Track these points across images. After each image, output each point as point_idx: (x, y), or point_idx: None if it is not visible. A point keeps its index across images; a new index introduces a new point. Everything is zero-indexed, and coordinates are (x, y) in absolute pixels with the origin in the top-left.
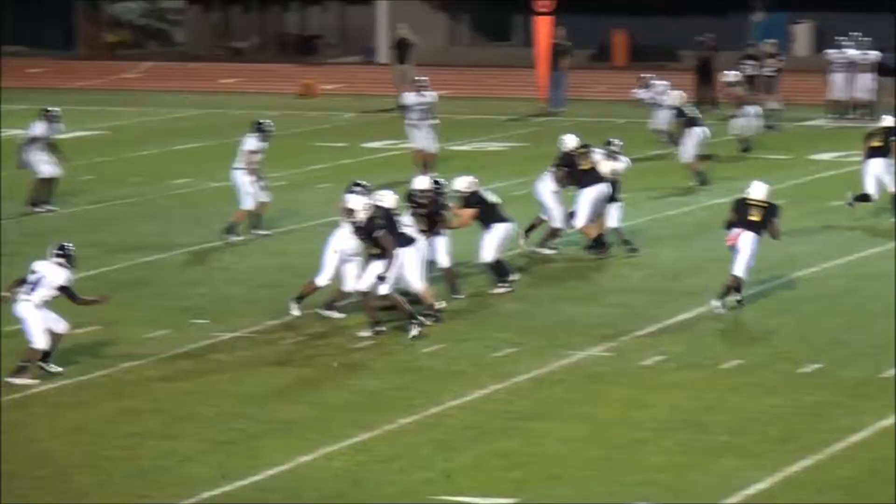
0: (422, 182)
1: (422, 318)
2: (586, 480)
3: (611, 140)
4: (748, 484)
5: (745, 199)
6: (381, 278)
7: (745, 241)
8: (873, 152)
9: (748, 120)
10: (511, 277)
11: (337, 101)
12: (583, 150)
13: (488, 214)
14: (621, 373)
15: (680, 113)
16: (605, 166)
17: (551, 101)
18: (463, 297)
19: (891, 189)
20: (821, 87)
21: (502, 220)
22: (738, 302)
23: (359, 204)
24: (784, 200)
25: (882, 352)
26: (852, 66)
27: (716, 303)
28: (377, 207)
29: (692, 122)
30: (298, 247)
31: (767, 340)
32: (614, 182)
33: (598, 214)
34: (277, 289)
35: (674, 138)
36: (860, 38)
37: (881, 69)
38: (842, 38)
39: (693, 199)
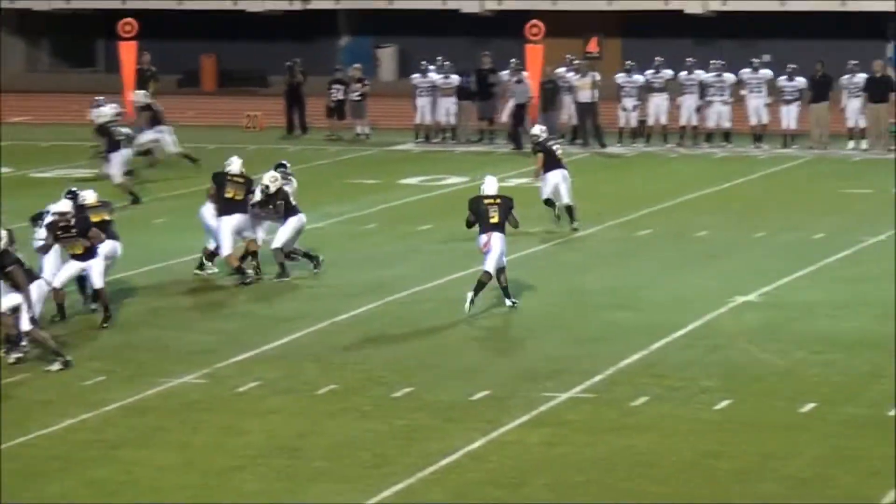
0: (63, 205)
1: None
2: None
3: (283, 162)
4: None
5: (481, 196)
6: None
7: (496, 241)
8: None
9: (159, 137)
10: None
11: None
12: (238, 178)
13: None
14: (216, 400)
15: (104, 131)
16: (272, 184)
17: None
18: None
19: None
20: (408, 111)
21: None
22: (514, 304)
23: None
24: (373, 225)
25: (470, 375)
26: (435, 91)
27: (470, 294)
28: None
29: (117, 145)
30: None
31: (362, 365)
32: (287, 204)
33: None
34: None
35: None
36: (442, 63)
37: (461, 93)
38: (425, 62)
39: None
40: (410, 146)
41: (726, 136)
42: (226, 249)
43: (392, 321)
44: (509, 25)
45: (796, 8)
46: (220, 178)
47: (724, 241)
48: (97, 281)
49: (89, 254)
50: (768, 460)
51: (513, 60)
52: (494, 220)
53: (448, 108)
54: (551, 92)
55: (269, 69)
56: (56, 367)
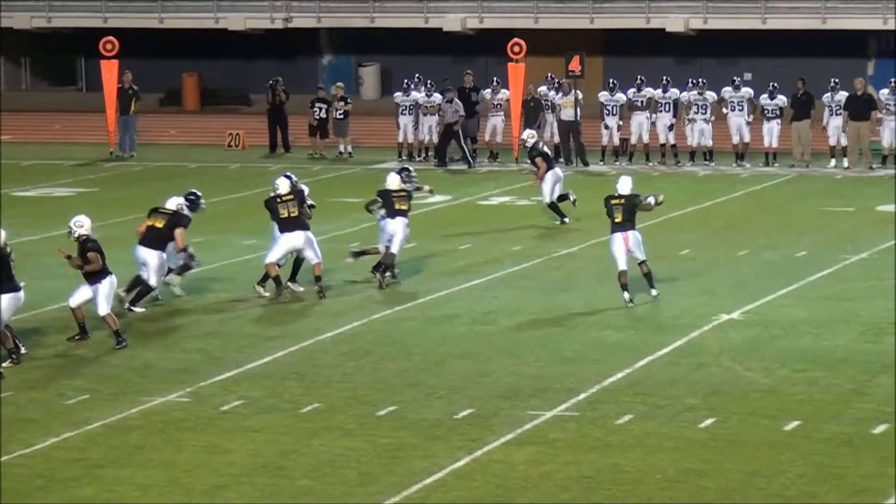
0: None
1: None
2: None
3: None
4: None
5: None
6: None
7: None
8: None
9: None
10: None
11: None
12: (288, 196)
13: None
14: (199, 418)
15: None
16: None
17: (121, 146)
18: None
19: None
20: (390, 129)
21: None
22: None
23: None
24: (357, 243)
25: (454, 393)
26: (418, 109)
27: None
28: None
29: None
30: None
31: (346, 383)
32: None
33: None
34: None
35: None
36: (423, 81)
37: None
38: (408, 80)
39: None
40: (393, 164)
41: (708, 154)
42: (272, 256)
43: (376, 339)
44: (491, 44)
45: (777, 26)
46: (272, 204)
47: (706, 259)
48: (101, 307)
49: (96, 277)
50: (753, 478)
51: (494, 78)
52: (618, 219)
53: (430, 126)
54: (533, 110)
55: (252, 88)
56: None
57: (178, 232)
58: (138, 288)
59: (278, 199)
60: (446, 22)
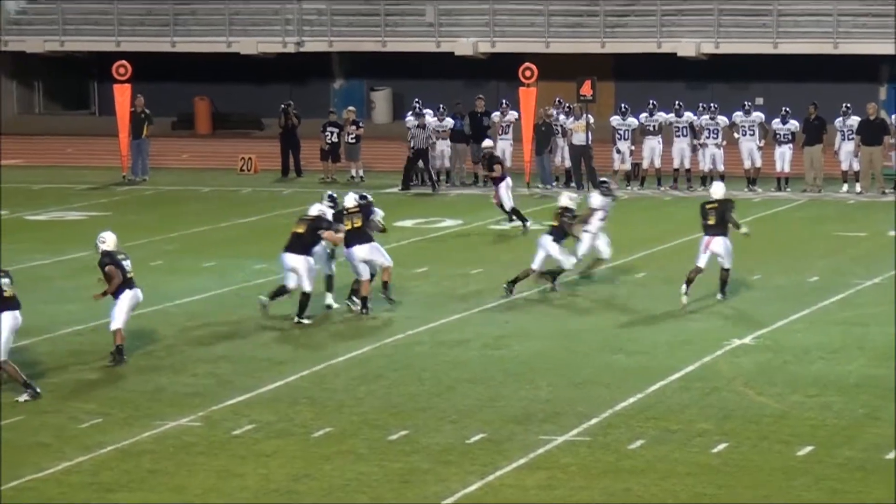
0: None
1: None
2: None
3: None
4: None
5: (705, 202)
6: None
7: (715, 244)
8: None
9: None
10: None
11: None
12: (354, 209)
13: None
14: (211, 443)
15: None
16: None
17: (133, 170)
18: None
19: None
20: (402, 153)
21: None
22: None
23: None
24: None
25: (466, 418)
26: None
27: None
28: None
29: None
30: None
31: (357, 408)
32: None
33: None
34: None
35: None
36: (440, 107)
37: (455, 135)
38: (417, 104)
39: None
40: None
41: (720, 179)
42: (362, 275)
43: (387, 364)
44: (503, 68)
45: (789, 51)
46: (339, 217)
47: (718, 284)
48: (115, 320)
49: (119, 290)
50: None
51: (503, 101)
52: (711, 222)
53: (442, 150)
54: (545, 134)
55: (264, 112)
56: (24, 398)
57: (327, 233)
58: (282, 295)
59: (344, 212)
60: (458, 46)
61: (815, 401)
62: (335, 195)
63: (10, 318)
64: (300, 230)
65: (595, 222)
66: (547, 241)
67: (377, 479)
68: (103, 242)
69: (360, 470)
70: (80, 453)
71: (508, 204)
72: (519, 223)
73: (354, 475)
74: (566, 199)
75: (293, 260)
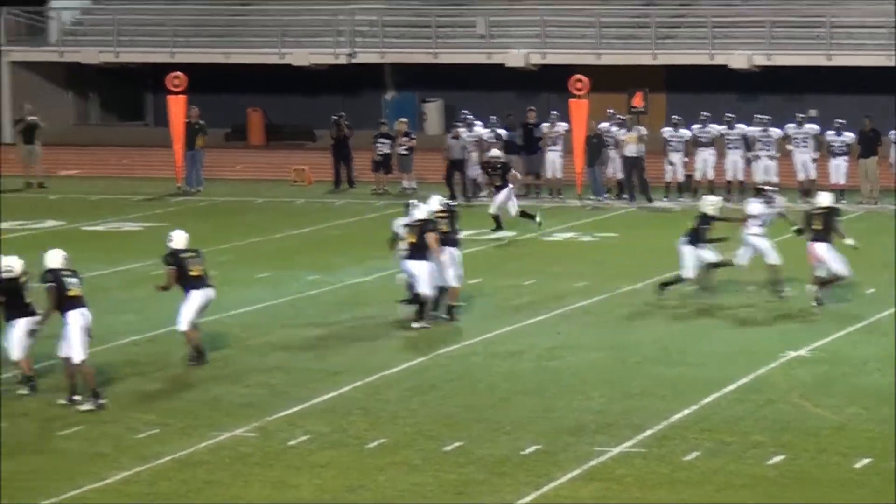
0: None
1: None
2: None
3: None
4: None
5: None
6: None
7: (817, 249)
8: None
9: None
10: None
11: None
12: (442, 213)
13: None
14: (267, 453)
15: None
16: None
17: (187, 181)
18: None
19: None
20: None
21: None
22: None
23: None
24: None
25: (520, 429)
26: (481, 145)
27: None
28: None
29: None
30: None
31: (411, 418)
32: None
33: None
34: None
35: None
36: (492, 118)
37: (507, 147)
38: (465, 115)
39: (336, 277)
40: (459, 200)
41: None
42: (453, 282)
43: (441, 375)
44: (554, 80)
45: (843, 63)
46: (431, 224)
47: (773, 295)
48: (182, 321)
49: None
50: None
51: (553, 112)
52: (817, 226)
53: None
54: (596, 146)
55: (316, 123)
56: (87, 406)
57: (430, 236)
58: (415, 303)
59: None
60: (509, 58)
61: (872, 413)
62: (416, 202)
63: (78, 317)
64: (413, 239)
65: (753, 228)
66: (690, 248)
67: (431, 491)
68: (171, 241)
69: (415, 481)
70: (137, 463)
71: (514, 210)
72: (503, 233)
73: (408, 486)
74: (708, 205)
75: (414, 266)
